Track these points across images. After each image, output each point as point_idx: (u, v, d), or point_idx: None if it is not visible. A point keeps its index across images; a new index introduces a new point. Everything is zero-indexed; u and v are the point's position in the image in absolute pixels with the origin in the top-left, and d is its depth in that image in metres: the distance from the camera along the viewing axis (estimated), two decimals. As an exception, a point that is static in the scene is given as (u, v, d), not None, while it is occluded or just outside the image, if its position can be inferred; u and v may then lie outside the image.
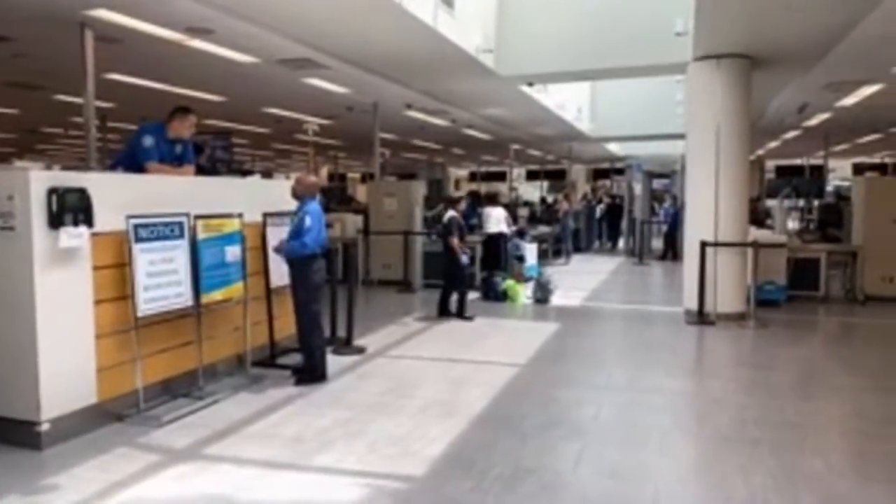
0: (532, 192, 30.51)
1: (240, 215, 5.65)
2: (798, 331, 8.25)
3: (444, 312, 8.65)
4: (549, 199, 22.97)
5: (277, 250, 5.75)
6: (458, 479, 3.81)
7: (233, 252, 5.56)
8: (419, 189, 11.94)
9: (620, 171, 23.55)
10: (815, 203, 15.74)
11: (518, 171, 29.18)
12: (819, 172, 22.44)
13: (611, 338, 8.13)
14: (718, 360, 7.18)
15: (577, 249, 17.02)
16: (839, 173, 27.28)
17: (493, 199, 12.20)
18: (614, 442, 4.49)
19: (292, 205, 5.89)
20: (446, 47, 8.10)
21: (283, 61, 8.86)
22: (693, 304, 8.42)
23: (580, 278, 12.57)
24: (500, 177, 28.43)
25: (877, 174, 22.14)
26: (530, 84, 10.92)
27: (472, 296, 10.27)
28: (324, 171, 27.84)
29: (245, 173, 18.50)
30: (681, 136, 15.84)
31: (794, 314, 8.91)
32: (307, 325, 5.67)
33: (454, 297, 8.69)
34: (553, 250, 15.24)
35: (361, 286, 11.08)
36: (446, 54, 8.52)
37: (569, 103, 15.14)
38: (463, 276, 8.72)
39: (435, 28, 7.45)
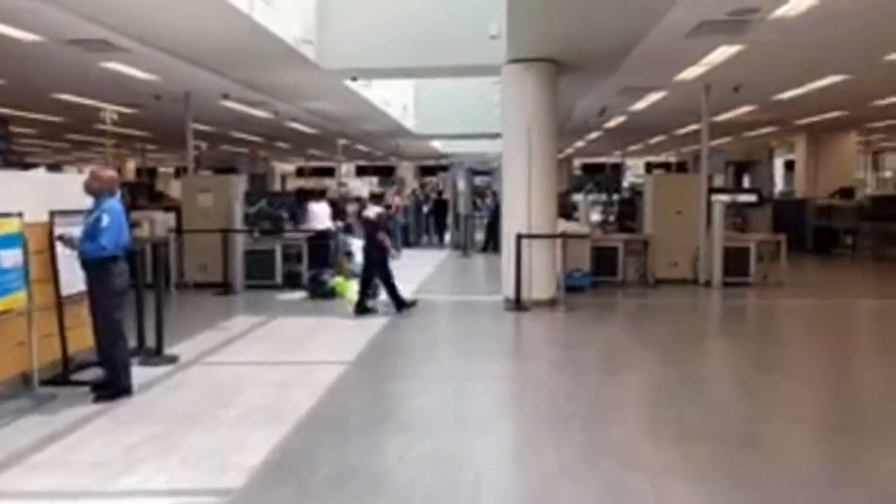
0: (362, 187, 30.43)
1: (19, 215, 4.93)
2: (601, 313, 9.08)
3: (364, 310, 8.49)
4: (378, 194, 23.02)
5: (64, 241, 5.09)
6: (280, 486, 3.65)
7: (11, 257, 4.83)
8: (239, 184, 11.31)
9: (446, 168, 24.33)
10: (614, 197, 17.41)
11: (347, 167, 28.92)
12: (617, 170, 25.01)
13: (438, 329, 8.34)
14: (534, 344, 7.68)
15: (407, 244, 17.27)
16: (634, 170, 30.58)
17: (318, 195, 11.95)
18: (440, 431, 4.59)
19: (88, 202, 5.25)
20: (263, 36, 7.74)
21: (75, 42, 7.90)
22: (511, 292, 8.92)
23: (409, 272, 12.73)
24: (329, 172, 27.99)
25: (664, 171, 25.17)
26: (354, 79, 10.83)
27: (298, 295, 10.00)
28: (130, 165, 25.40)
29: (27, 166, 16.24)
30: (499, 136, 16.81)
31: (598, 298, 9.80)
32: (109, 334, 5.10)
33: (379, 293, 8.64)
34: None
35: (175, 290, 10.27)
36: (264, 44, 8.14)
37: (394, 100, 15.29)
38: (388, 272, 8.70)
39: (250, 15, 7.08)
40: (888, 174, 27.95)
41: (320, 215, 11.07)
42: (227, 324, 8.12)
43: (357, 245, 11.82)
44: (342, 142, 20.65)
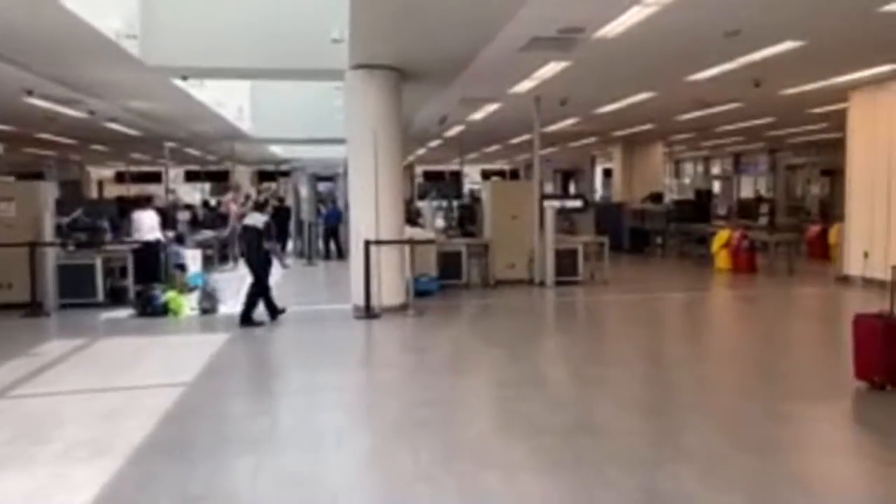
0: (192, 194, 28.53)
1: None
2: (448, 316, 9.31)
3: (250, 321, 8.25)
4: (213, 201, 21.74)
5: None
6: (113, 528, 3.28)
7: None
8: (48, 191, 10.04)
9: (286, 174, 23.60)
10: (455, 203, 17.99)
11: (175, 172, 26.93)
12: (457, 177, 25.90)
13: (284, 341, 8.02)
14: (385, 351, 7.67)
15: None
16: (471, 178, 31.81)
17: (144, 203, 11.00)
18: (292, 449, 4.41)
19: None
20: (75, 26, 6.94)
21: None
22: (360, 299, 8.84)
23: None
24: (155, 178, 25.87)
25: (500, 179, 26.50)
26: (184, 78, 10.10)
27: (125, 313, 9.11)
28: None
29: None
30: (342, 141, 16.61)
31: (445, 301, 10.04)
32: None
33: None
34: (220, 256, 14.45)
35: (-30, 313, 8.88)
36: (76, 35, 7.31)
37: (229, 101, 14.51)
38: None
39: (62, 3, 6.31)
40: (687, 180, 31.79)
41: (147, 225, 10.17)
42: (38, 349, 7.17)
43: (191, 256, 11.06)
44: (170, 145, 19.17)
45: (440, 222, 15.29)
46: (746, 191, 26.73)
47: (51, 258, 9.38)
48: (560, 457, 4.19)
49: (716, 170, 29.46)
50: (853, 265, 11.06)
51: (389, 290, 9.05)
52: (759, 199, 21.10)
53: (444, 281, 10.76)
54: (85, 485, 3.73)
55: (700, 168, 30.40)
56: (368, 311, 8.68)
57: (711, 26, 7.32)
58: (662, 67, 9.61)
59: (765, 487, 3.71)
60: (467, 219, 15.26)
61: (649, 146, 20.83)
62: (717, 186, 28.66)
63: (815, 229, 15.37)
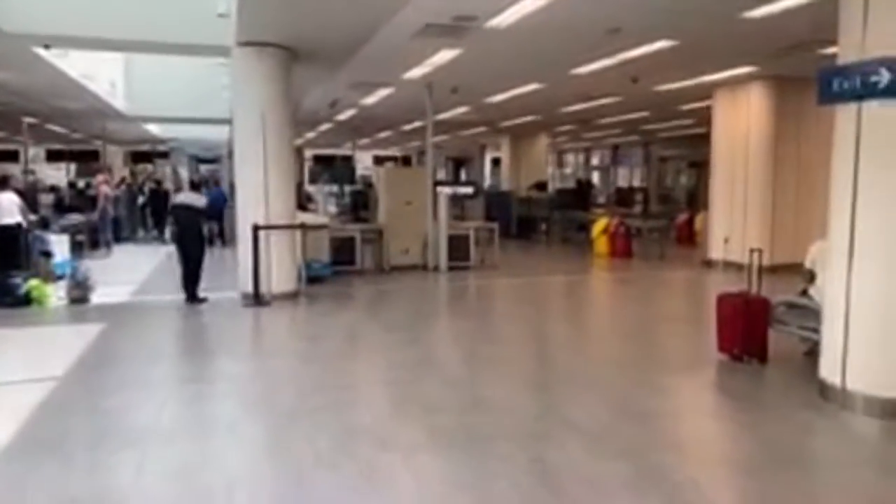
0: (56, 175, 26.12)
1: None
2: (342, 301, 9.22)
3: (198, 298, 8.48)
4: (81, 183, 20.06)
5: None
6: (-23, 536, 3.00)
7: None
8: None
9: (164, 155, 22.20)
10: (347, 189, 17.79)
11: (35, 151, 24.50)
12: (348, 162, 25.55)
13: (167, 331, 7.60)
14: (277, 339, 7.48)
15: (119, 239, 15.36)
16: (363, 164, 31.50)
17: (2, 182, 9.95)
18: (180, 440, 4.21)
19: None
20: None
21: None
22: (248, 286, 8.54)
23: (125, 271, 11.39)
24: (11, 157, 23.41)
25: (393, 165, 26.43)
26: (47, 47, 9.21)
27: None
28: None
29: None
30: (227, 121, 15.85)
31: (338, 287, 9.92)
32: None
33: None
34: (90, 241, 13.38)
35: None
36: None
37: (99, 75, 13.40)
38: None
39: None
40: (568, 170, 33.32)
41: (6, 207, 9.23)
42: None
43: (56, 241, 10.19)
44: (29, 120, 17.41)
45: (332, 208, 15.06)
46: (623, 181, 28.44)
47: None
48: (455, 435, 4.31)
49: (595, 160, 31.07)
50: (715, 250, 12.12)
51: (280, 277, 8.81)
52: (633, 189, 22.56)
53: (337, 267, 10.62)
54: (-60, 492, 3.38)
55: (581, 159, 31.94)
56: (258, 299, 8.41)
57: (595, 23, 7.70)
58: (549, 60, 9.99)
59: (644, 452, 4.02)
60: (360, 204, 15.14)
61: (535, 137, 21.59)
62: (596, 176, 30.25)
63: (683, 217, 16.67)
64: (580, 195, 17.98)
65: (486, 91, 13.20)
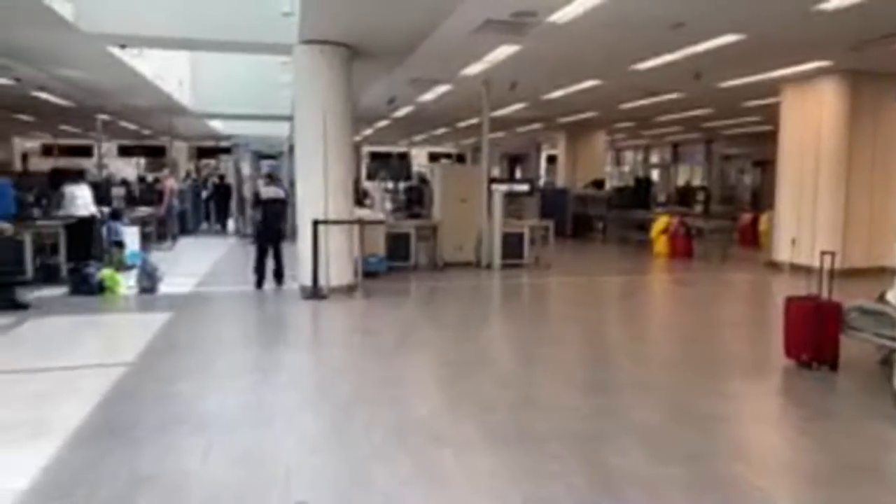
0: (126, 169, 27.34)
1: None
2: (397, 297, 9.32)
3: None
4: (150, 177, 20.92)
5: None
6: (57, 510, 3.18)
7: None
8: (-29, 162, 9.46)
9: (227, 150, 22.88)
10: (402, 185, 17.92)
11: (108, 146, 25.70)
12: (404, 159, 25.76)
13: (229, 321, 7.86)
14: (334, 331, 7.63)
15: (184, 232, 15.96)
16: (418, 160, 31.71)
17: (76, 177, 10.48)
18: (243, 428, 4.35)
19: None
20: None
21: None
22: (308, 279, 8.73)
23: (190, 262, 11.83)
24: (85, 151, 24.64)
25: (449, 161, 26.50)
26: (123, 46, 9.63)
27: (57, 291, 8.72)
28: None
29: None
30: (288, 118, 16.22)
31: (393, 282, 10.03)
32: None
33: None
34: (157, 233, 13.96)
35: None
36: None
37: (168, 73, 13.93)
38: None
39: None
40: (626, 168, 32.65)
41: (82, 200, 9.71)
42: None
43: (127, 232, 10.66)
44: (103, 117, 18.29)
45: (387, 204, 15.21)
46: (683, 179, 27.68)
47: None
48: (509, 433, 4.30)
49: (655, 159, 30.35)
50: (782, 251, 11.66)
51: (337, 271, 8.97)
52: (694, 188, 21.91)
53: (391, 262, 10.73)
54: (24, 468, 3.58)
55: (640, 156, 31.24)
56: (316, 292, 8.59)
57: (658, 18, 7.52)
58: (609, 56, 9.81)
59: (704, 458, 3.92)
60: (415, 201, 15.24)
61: (592, 134, 21.24)
62: (655, 175, 29.55)
63: (746, 217, 16.10)
64: (639, 194, 17.57)
65: (544, 87, 13.08)
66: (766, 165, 19.01)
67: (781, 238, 11.75)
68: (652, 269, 12.66)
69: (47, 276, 9.23)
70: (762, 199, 19.62)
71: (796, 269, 11.02)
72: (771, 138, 12.89)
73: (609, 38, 8.55)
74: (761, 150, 20.39)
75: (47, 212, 10.20)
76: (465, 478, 3.67)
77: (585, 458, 3.93)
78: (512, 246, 11.56)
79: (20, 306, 7.61)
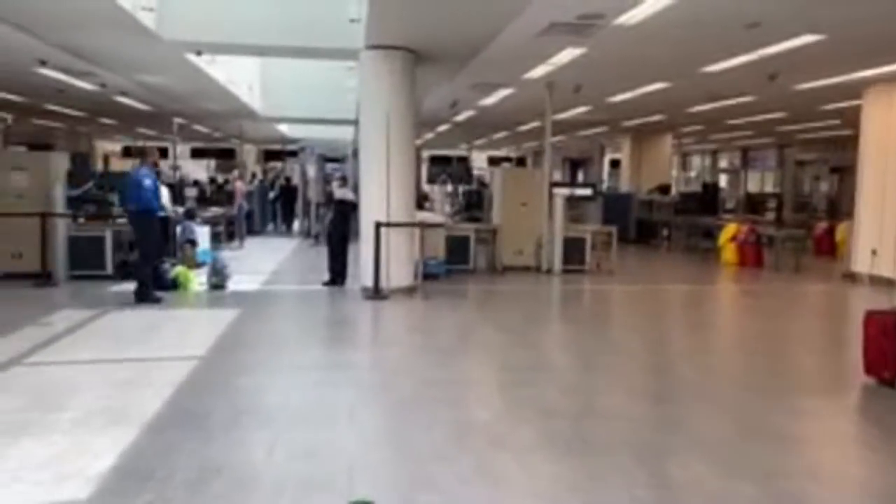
0: (198, 171, 28.48)
1: None
2: (456, 299, 9.35)
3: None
4: (220, 179, 21.73)
5: None
6: (134, 494, 3.33)
7: None
8: (60, 163, 10.05)
9: (293, 153, 23.51)
10: (461, 188, 17.96)
11: (182, 148, 26.86)
12: (464, 162, 25.82)
13: (293, 319, 8.08)
14: (394, 331, 7.72)
15: (251, 232, 16.50)
16: (478, 163, 31.72)
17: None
18: (306, 423, 4.45)
19: None
20: (94, -4, 6.92)
21: None
22: (369, 280, 8.87)
23: (257, 261, 12.22)
24: (161, 153, 25.75)
25: (510, 165, 26.41)
26: (199, 53, 10.06)
27: (133, 286, 9.14)
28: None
29: None
30: (351, 122, 16.55)
31: (452, 285, 10.07)
32: None
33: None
34: (227, 233, 14.49)
35: (-19, 281, 8.94)
36: (94, 5, 7.29)
37: (239, 79, 14.45)
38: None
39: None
40: (693, 173, 31.70)
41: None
42: (51, 318, 7.23)
43: (199, 231, 11.09)
44: (178, 121, 19.14)
45: (446, 207, 15.29)
46: (753, 185, 26.66)
47: (61, 229, 9.42)
48: (570, 441, 4.24)
49: (723, 163, 29.36)
50: (861, 262, 11.06)
51: (398, 272, 9.07)
52: (765, 195, 21.07)
53: (451, 265, 10.77)
54: (104, 452, 3.78)
55: (707, 161, 30.29)
56: (377, 292, 8.72)
57: (732, 17, 7.27)
58: (678, 57, 9.56)
59: (774, 475, 3.75)
60: (474, 204, 15.24)
61: (658, 137, 20.74)
62: (724, 180, 28.58)
63: (822, 226, 15.36)
64: (706, 200, 17.05)
65: (610, 90, 12.86)
66: (845, 172, 18.10)
67: (860, 248, 11.15)
68: (720, 279, 12.24)
69: (124, 272, 9.70)
70: (839, 207, 18.68)
71: (876, 281, 10.43)
72: (850, 143, 12.26)
73: (679, 39, 8.33)
74: (840, 155, 19.44)
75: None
76: (526, 482, 3.65)
77: (649, 469, 3.84)
78: (573, 251, 11.40)
79: (155, 299, 8.18)
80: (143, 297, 8.09)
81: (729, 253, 13.16)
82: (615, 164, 27.13)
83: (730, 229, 13.41)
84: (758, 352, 6.90)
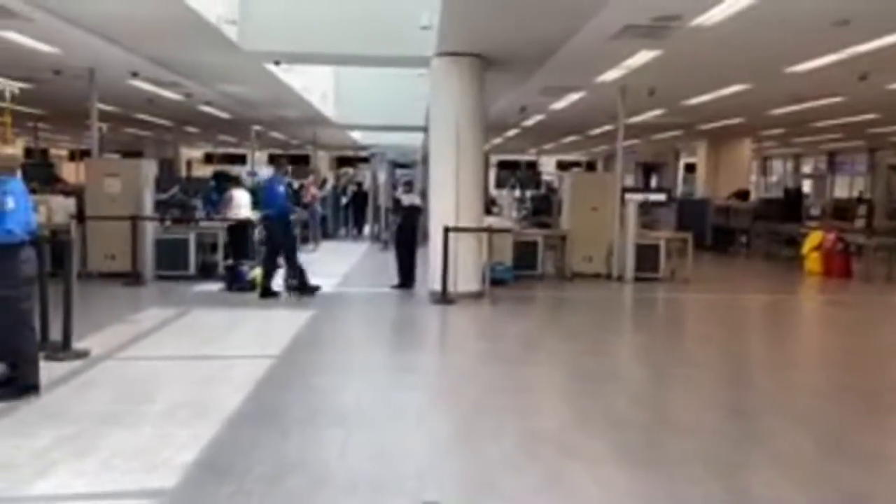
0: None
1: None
2: (524, 306, 9.29)
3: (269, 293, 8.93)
4: (295, 184, 22.40)
5: None
6: (216, 485, 3.49)
7: None
8: (149, 169, 10.66)
9: (364, 160, 24.02)
10: (528, 193, 17.83)
11: (259, 155, 27.93)
12: (532, 167, 25.65)
13: (364, 321, 8.24)
14: (462, 336, 7.75)
15: (324, 236, 16.94)
16: (546, 168, 31.41)
17: (235, 182, 11.47)
18: (376, 424, 4.54)
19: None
20: (182, 11, 7.30)
21: (-36, 5, 7.16)
22: (437, 284, 8.93)
23: (331, 264, 12.53)
24: (240, 159, 26.91)
25: (581, 170, 26.04)
26: (277, 63, 10.46)
27: (215, 286, 9.58)
28: (19, 144, 23.33)
29: None
30: (422, 129, 16.75)
31: (520, 291, 10.00)
32: (13, 326, 4.66)
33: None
34: (301, 236, 14.92)
35: (77, 280, 9.54)
36: (182, 20, 7.70)
37: (313, 87, 14.90)
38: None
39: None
40: (774, 178, 30.28)
41: (242, 203, 10.61)
42: (139, 316, 7.66)
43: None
44: (256, 128, 19.93)
45: (514, 212, 15.20)
46: (841, 191, 25.22)
47: (150, 232, 9.97)
48: (643, 452, 4.14)
49: (807, 168, 27.95)
50: (963, 274, 10.27)
51: (465, 277, 9.10)
52: (854, 201, 19.86)
53: (518, 271, 10.70)
54: (189, 444, 3.97)
55: (790, 166, 28.90)
56: (444, 297, 8.77)
57: (819, 15, 6.94)
58: (760, 58, 9.19)
59: (861, 499, 3.54)
60: (542, 209, 15.11)
61: (737, 141, 19.98)
62: (807, 185, 27.18)
63: (919, 234, 14.32)
64: (789, 206, 16.24)
65: (686, 93, 12.50)
66: (945, 176, 16.84)
67: (964, 258, 10.35)
68: (803, 289, 11.64)
69: (206, 272, 10.18)
70: (939, 213, 17.41)
71: (982, 294, 9.66)
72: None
73: (761, 39, 8.01)
74: (939, 158, 18.11)
75: (209, 214, 11.21)
76: (598, 493, 3.58)
77: (728, 485, 3.69)
78: (646, 258, 11.10)
79: (274, 293, 8.87)
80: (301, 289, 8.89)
81: (813, 262, 12.48)
82: (690, 168, 26.29)
83: (815, 237, 12.71)
84: (845, 366, 6.52)
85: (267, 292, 8.81)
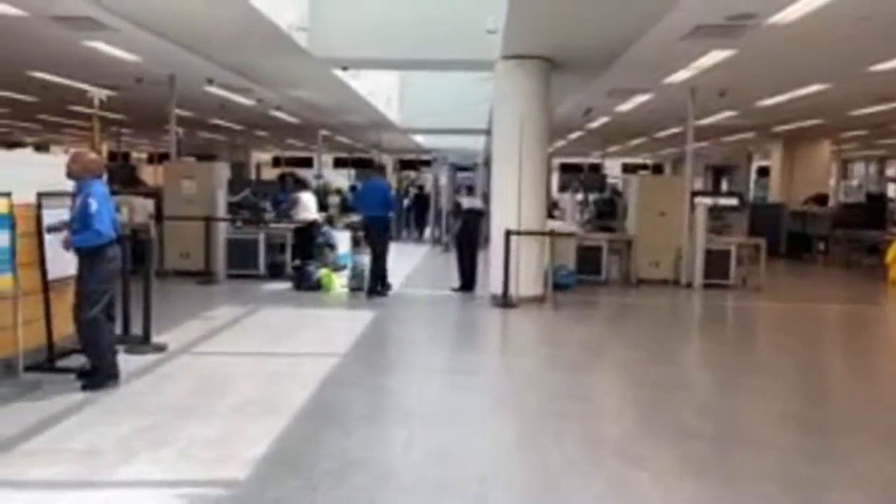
0: (339, 180, 30.18)
1: (8, 195, 4.77)
2: (587, 311, 9.15)
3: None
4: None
5: (66, 246, 4.97)
6: (284, 479, 3.60)
7: (-1, 238, 4.68)
8: (223, 171, 11.11)
9: (426, 163, 24.24)
10: (591, 197, 17.54)
11: (325, 158, 28.62)
12: (595, 170, 25.22)
13: (425, 323, 8.31)
14: (523, 340, 7.70)
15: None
16: (611, 171, 30.81)
17: (302, 184, 11.80)
18: (439, 425, 4.57)
19: (70, 185, 5.12)
20: (257, 20, 7.59)
21: (60, 18, 7.66)
22: (498, 288, 8.91)
23: (392, 266, 12.67)
24: (306, 163, 27.65)
25: (647, 173, 25.45)
26: (344, 68, 10.70)
27: (283, 286, 9.88)
28: (104, 148, 24.76)
29: (13, 145, 15.71)
30: (483, 132, 16.75)
31: (583, 296, 9.86)
32: (96, 320, 4.95)
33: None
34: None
35: (155, 277, 10.03)
36: (256, 28, 7.99)
37: (378, 92, 15.16)
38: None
39: (248, -1, 6.94)
40: (855, 183, 28.72)
41: (309, 205, 10.92)
42: (212, 313, 7.98)
43: (339, 236, 11.74)
44: (323, 132, 20.42)
45: (577, 216, 14.98)
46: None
47: (222, 232, 10.38)
48: (710, 465, 4.01)
49: (892, 171, 26.38)
50: None
51: (528, 281, 9.05)
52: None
53: (581, 276, 10.55)
54: (259, 438, 4.11)
55: (872, 169, 27.35)
56: (506, 300, 8.75)
57: (907, 10, 6.55)
58: (841, 56, 8.76)
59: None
60: (606, 213, 14.83)
61: (814, 143, 19.05)
62: (892, 190, 25.65)
63: None
64: (871, 211, 15.37)
65: (759, 93, 12.03)
66: None
67: None
68: (886, 299, 10.99)
69: (275, 272, 10.51)
70: None
71: None
72: None
73: (842, 36, 7.63)
74: None
75: (278, 215, 11.57)
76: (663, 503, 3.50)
77: (799, 502, 3.53)
78: (716, 264, 10.73)
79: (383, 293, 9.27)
80: (372, 291, 9.15)
81: (898, 271, 11.77)
82: (763, 171, 25.25)
83: (900, 245, 11.99)
84: (935, 384, 6.12)
85: (373, 291, 9.15)
